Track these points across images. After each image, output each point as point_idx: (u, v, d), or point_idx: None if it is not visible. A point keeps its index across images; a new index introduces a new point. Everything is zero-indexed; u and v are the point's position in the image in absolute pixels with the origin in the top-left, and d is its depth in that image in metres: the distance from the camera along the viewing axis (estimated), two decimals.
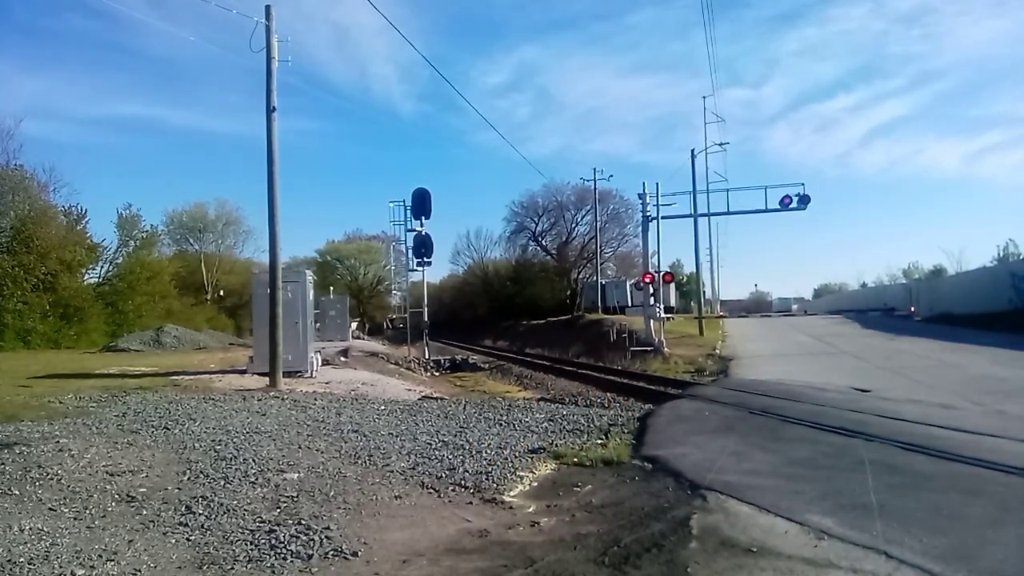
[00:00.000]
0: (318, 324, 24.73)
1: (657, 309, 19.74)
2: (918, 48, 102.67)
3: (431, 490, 5.12)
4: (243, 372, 13.68)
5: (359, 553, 3.72)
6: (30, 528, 3.93)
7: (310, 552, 3.69)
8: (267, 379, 11.91)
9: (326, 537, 3.91)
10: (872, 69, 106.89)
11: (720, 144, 31.34)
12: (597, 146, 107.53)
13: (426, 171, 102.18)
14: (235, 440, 6.59)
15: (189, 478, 5.23)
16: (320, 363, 15.07)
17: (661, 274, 20.39)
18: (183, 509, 4.45)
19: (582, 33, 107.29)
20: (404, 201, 24.89)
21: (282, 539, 3.87)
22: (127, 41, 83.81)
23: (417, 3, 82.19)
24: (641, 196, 22.11)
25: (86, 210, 29.77)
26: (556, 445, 6.62)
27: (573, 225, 49.32)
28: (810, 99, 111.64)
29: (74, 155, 79.90)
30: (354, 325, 39.58)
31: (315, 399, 10.11)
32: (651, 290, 19.78)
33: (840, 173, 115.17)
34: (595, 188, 43.88)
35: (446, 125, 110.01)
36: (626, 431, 7.39)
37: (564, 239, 49.50)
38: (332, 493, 4.88)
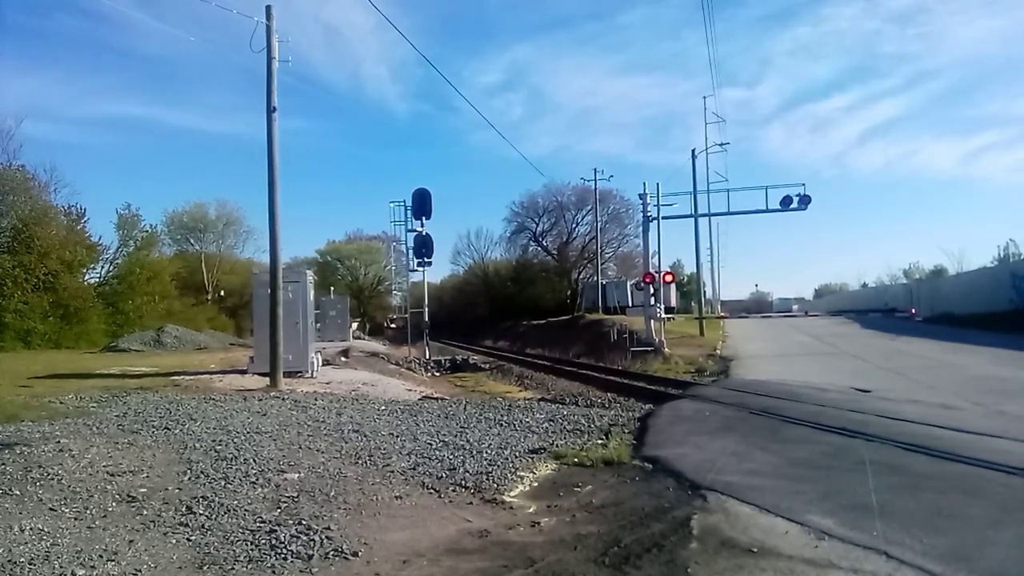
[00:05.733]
0: (318, 324, 24.70)
1: (658, 309, 19.72)
2: (912, 48, 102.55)
3: (431, 490, 5.12)
4: (244, 372, 13.69)
5: (359, 553, 3.73)
6: (31, 528, 3.93)
7: (310, 552, 3.70)
8: (268, 379, 11.92)
9: (326, 537, 3.91)
10: (866, 69, 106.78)
11: (720, 144, 31.26)
12: (593, 146, 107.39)
13: (425, 171, 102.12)
14: (236, 440, 6.60)
15: (190, 478, 5.23)
16: (320, 363, 15.08)
17: (662, 274, 20.35)
18: (184, 509, 4.45)
19: (574, 32, 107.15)
20: (404, 201, 24.90)
21: (282, 539, 3.87)
22: (118, 40, 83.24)
23: (408, 2, 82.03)
24: (641, 196, 22.07)
25: (86, 210, 29.88)
26: (557, 445, 6.62)
27: (574, 225, 49.48)
28: (805, 99, 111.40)
29: (70, 155, 79.79)
30: (354, 325, 39.56)
31: (316, 399, 10.12)
32: (651, 290, 19.76)
33: (837, 173, 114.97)
34: (595, 188, 43.94)
35: (443, 125, 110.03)
36: (627, 431, 7.39)
37: (564, 239, 49.57)
38: (332, 493, 4.88)
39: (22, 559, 3.49)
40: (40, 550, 3.62)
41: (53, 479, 4.98)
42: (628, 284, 39.28)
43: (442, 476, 5.48)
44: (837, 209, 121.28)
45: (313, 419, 8.15)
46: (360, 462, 5.95)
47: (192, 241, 50.39)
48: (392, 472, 5.61)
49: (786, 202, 22.83)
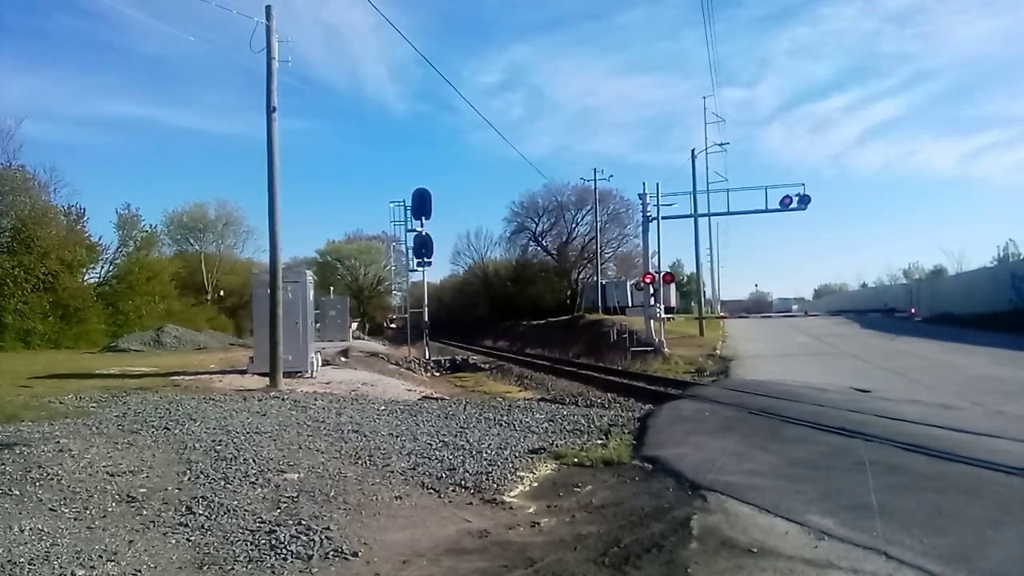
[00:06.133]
0: (318, 324, 24.70)
1: (657, 309, 19.72)
2: (911, 48, 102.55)
3: (431, 490, 5.12)
4: (243, 372, 13.68)
5: (359, 553, 3.73)
6: (30, 528, 3.93)
7: (310, 552, 3.70)
8: (267, 379, 11.91)
9: (326, 537, 3.91)
10: (866, 69, 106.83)
11: (720, 144, 31.26)
12: (592, 146, 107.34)
13: (425, 171, 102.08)
14: (235, 440, 6.60)
15: (189, 478, 5.23)
16: (320, 363, 15.08)
17: (661, 274, 20.36)
18: (183, 509, 4.45)
19: (573, 32, 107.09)
20: (404, 201, 24.88)
21: (282, 539, 3.87)
22: (118, 40, 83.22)
23: (406, 2, 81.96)
24: (641, 196, 22.08)
25: (85, 209, 29.86)
26: (556, 445, 6.62)
27: (573, 225, 49.48)
28: (804, 99, 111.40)
29: (68, 155, 79.82)
30: (354, 325, 39.56)
31: (315, 399, 10.11)
32: (651, 290, 19.76)
33: (837, 173, 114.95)
34: (595, 188, 43.95)
35: (443, 125, 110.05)
36: (626, 431, 7.39)
37: (564, 239, 49.57)
38: (332, 493, 4.88)
39: (22, 559, 3.48)
40: (40, 550, 3.62)
41: (53, 479, 4.98)
42: (628, 284, 39.30)
43: (442, 476, 5.48)
44: (837, 209, 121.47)
45: (313, 419, 8.15)
46: (360, 462, 5.95)
47: (192, 241, 50.43)
48: (392, 472, 5.61)
49: (786, 202, 22.83)
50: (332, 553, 3.70)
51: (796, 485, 4.71)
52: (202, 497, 4.70)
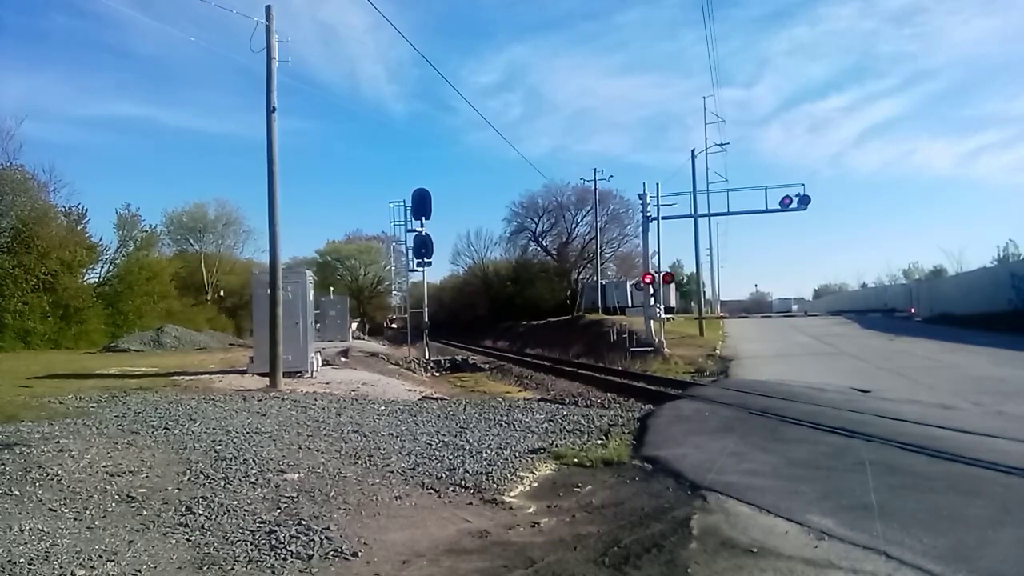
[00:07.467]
0: (318, 324, 24.70)
1: (657, 309, 19.73)
2: (909, 47, 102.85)
3: (431, 490, 5.12)
4: (243, 372, 13.68)
5: (359, 553, 3.73)
6: (30, 528, 3.93)
7: (310, 552, 3.70)
8: (267, 379, 11.91)
9: (326, 537, 3.91)
10: (864, 69, 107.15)
11: (720, 144, 31.36)
12: (590, 146, 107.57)
13: (424, 171, 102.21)
14: (235, 440, 6.60)
15: (189, 478, 5.23)
16: (320, 363, 15.07)
17: (661, 274, 20.38)
18: (183, 509, 4.45)
19: (571, 33, 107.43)
20: (404, 201, 24.91)
21: (282, 539, 3.87)
22: (115, 40, 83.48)
23: (404, 2, 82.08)
24: (641, 196, 22.12)
25: (86, 210, 29.84)
26: (556, 445, 6.62)
27: (573, 225, 49.55)
28: (802, 99, 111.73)
29: (69, 155, 79.83)
30: (354, 325, 39.59)
31: (315, 399, 10.11)
32: (651, 290, 19.77)
33: (835, 173, 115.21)
34: (595, 188, 43.95)
35: (441, 125, 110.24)
36: (626, 431, 7.39)
37: (564, 239, 49.61)
38: (332, 493, 4.88)
39: (22, 559, 3.48)
40: (40, 550, 3.62)
41: (53, 479, 4.98)
42: (628, 284, 39.34)
43: (442, 476, 5.49)
44: (836, 209, 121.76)
45: (313, 419, 8.15)
46: (360, 462, 5.95)
47: (192, 241, 50.41)
48: (392, 472, 5.61)
49: (786, 202, 22.88)
50: (332, 553, 3.70)
51: (796, 485, 4.71)
52: (202, 497, 4.70)
